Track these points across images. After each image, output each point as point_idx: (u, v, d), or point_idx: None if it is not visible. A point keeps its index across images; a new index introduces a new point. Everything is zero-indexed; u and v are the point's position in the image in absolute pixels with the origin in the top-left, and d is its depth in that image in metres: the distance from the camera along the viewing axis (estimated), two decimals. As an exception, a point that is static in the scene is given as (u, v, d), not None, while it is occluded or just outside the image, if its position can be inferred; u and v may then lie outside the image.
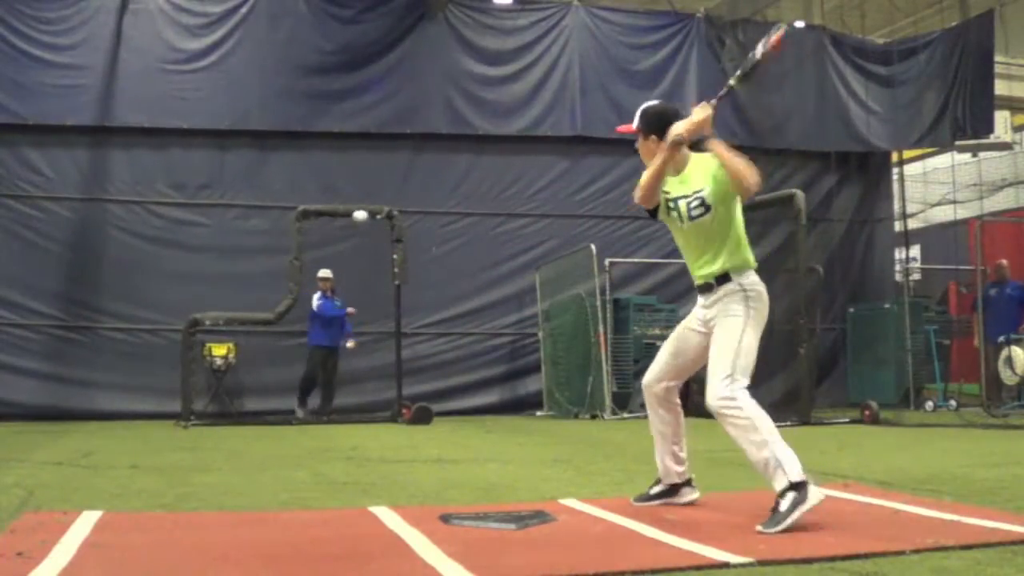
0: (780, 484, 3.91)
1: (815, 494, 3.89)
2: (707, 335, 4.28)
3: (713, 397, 4.08)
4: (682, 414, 4.60)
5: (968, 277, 15.02)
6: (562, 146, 15.33)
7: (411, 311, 13.77)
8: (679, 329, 4.49)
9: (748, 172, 4.10)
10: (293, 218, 12.92)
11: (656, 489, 4.62)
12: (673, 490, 4.58)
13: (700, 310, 4.36)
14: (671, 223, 4.41)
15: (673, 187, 4.35)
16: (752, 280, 4.24)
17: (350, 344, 13.41)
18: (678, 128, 4.22)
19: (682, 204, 4.29)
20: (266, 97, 14.15)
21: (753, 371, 4.15)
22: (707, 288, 4.28)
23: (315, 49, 14.37)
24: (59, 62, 13.60)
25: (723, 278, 4.23)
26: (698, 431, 5.41)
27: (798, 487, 3.88)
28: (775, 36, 4.32)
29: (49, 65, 13.56)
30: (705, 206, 4.22)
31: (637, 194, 4.38)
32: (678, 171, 4.33)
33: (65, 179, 13.80)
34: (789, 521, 3.82)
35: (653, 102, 4.63)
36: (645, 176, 4.32)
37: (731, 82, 4.37)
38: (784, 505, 3.87)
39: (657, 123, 4.33)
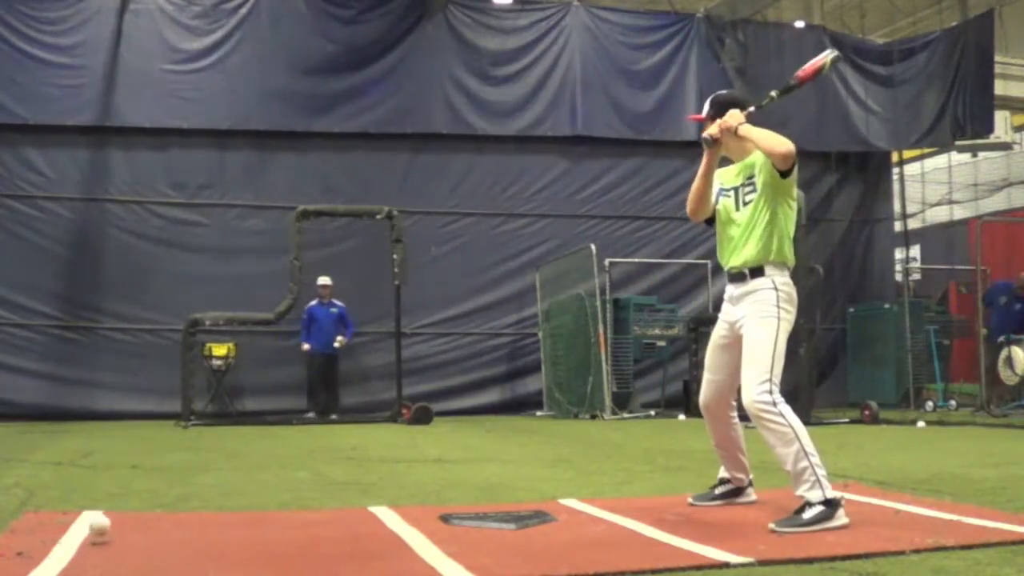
0: (813, 496, 3.95)
1: (841, 518, 3.93)
2: (735, 344, 4.27)
3: (751, 399, 4.08)
4: (738, 424, 4.57)
5: (968, 277, 15.02)
6: (562, 146, 15.33)
7: (411, 311, 13.77)
8: (710, 345, 4.50)
9: (774, 141, 4.07)
10: (293, 218, 12.92)
11: (721, 489, 4.64)
12: (738, 491, 4.62)
13: (726, 309, 4.36)
14: (721, 216, 4.40)
15: (728, 179, 4.39)
16: (786, 280, 4.22)
17: (337, 342, 13.42)
18: (710, 130, 4.27)
19: (741, 191, 4.32)
20: (266, 97, 14.15)
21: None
22: (739, 277, 4.26)
23: (315, 49, 14.36)
24: (59, 62, 13.60)
25: (757, 271, 4.21)
26: (699, 431, 5.39)
27: (831, 504, 3.93)
28: (816, 63, 4.33)
29: (49, 65, 13.56)
30: (756, 191, 4.24)
31: (688, 207, 4.45)
32: (739, 159, 4.36)
33: (65, 179, 13.79)
34: (806, 530, 3.86)
35: (723, 91, 4.69)
36: (693, 186, 4.37)
37: (772, 94, 4.36)
38: (809, 515, 3.92)
39: (726, 110, 4.30)
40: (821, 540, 3.65)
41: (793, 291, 4.25)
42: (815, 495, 3.94)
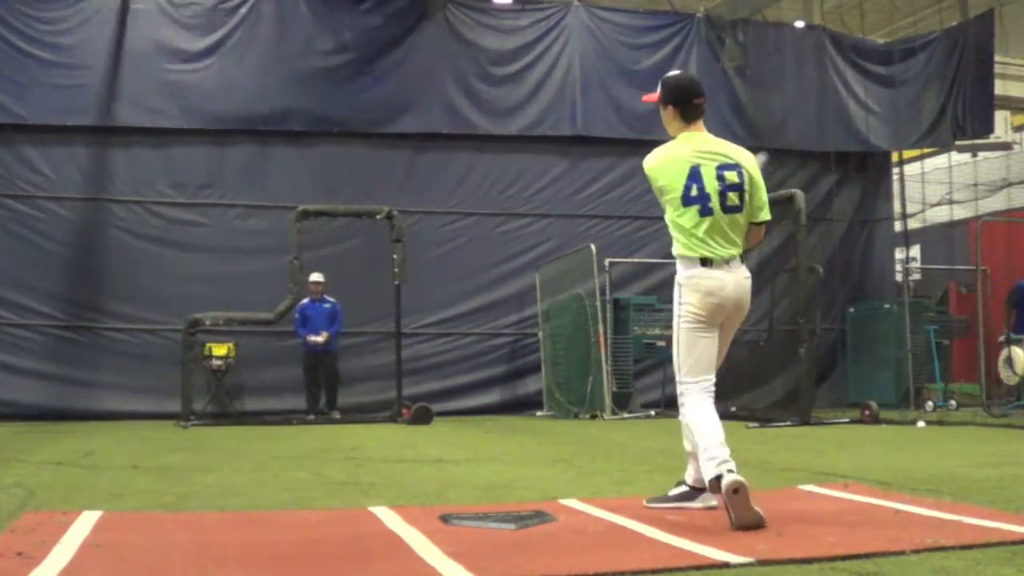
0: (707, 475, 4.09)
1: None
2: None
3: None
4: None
5: (968, 277, 15.01)
6: (562, 146, 15.32)
7: (411, 311, 13.76)
8: None
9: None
10: (293, 218, 12.91)
11: (676, 491, 4.60)
12: (694, 493, 4.53)
13: None
14: None
15: None
16: (689, 273, 4.33)
17: (322, 337, 13.21)
18: None
19: None
20: (266, 97, 14.15)
21: (710, 362, 4.33)
22: None
23: (315, 49, 14.36)
24: (59, 62, 13.59)
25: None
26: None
27: (712, 482, 4.01)
28: None
29: (49, 65, 13.55)
30: None
31: None
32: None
33: (65, 179, 13.79)
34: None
35: (675, 72, 4.74)
36: None
37: None
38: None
39: (672, 95, 4.47)
40: (821, 540, 3.66)
41: (699, 279, 4.30)
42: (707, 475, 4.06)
